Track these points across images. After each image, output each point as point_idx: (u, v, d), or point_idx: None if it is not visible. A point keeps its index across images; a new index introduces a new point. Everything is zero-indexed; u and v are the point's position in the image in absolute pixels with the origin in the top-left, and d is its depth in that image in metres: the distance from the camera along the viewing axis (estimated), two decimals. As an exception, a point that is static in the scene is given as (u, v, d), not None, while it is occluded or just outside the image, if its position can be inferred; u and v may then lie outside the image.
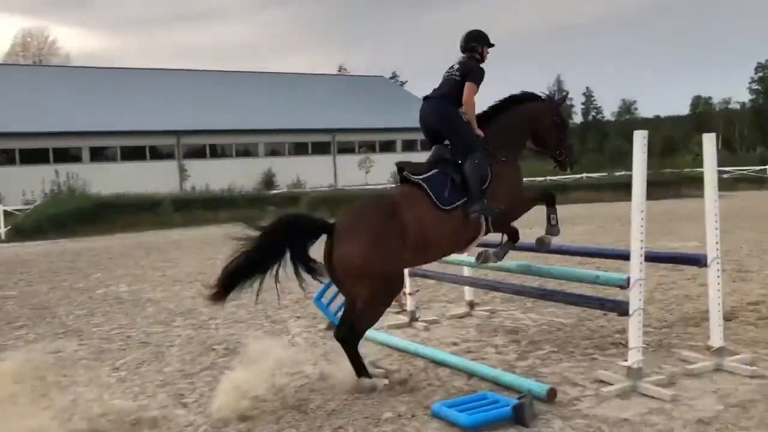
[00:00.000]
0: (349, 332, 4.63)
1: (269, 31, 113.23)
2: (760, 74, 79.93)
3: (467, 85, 5.15)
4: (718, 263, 4.88)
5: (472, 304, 7.11)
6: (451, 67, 5.36)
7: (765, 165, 43.81)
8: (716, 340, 4.85)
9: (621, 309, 4.62)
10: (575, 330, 6.22)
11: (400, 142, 45.86)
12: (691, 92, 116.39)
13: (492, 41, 5.40)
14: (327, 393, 4.61)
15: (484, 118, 5.30)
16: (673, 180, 31.45)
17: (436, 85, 5.37)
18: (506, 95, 5.42)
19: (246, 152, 42.08)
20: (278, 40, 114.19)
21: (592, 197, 29.40)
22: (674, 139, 67.97)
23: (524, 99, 5.42)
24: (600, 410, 4.10)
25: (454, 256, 5.88)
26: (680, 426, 3.79)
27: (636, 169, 4.49)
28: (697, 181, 40.25)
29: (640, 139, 4.49)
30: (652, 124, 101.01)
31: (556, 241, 5.54)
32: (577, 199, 28.49)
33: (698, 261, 5.00)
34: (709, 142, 4.89)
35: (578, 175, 35.72)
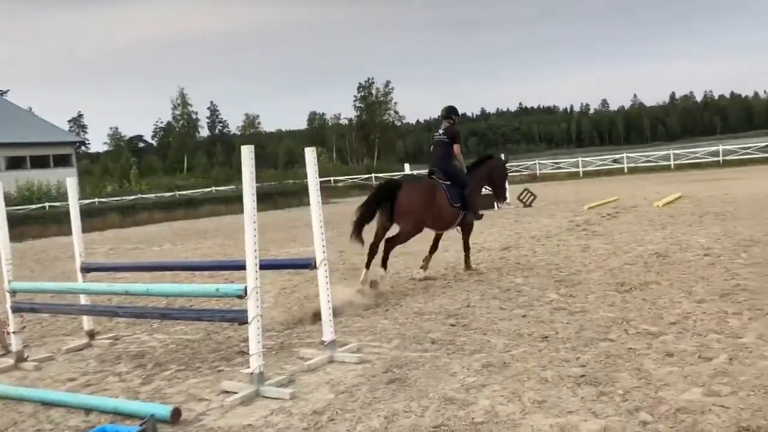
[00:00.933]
0: (388, 243, 8.15)
1: None
2: (362, 93, 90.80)
3: (455, 146, 8.64)
4: (325, 264, 5.36)
5: (92, 334, 6.58)
6: (438, 132, 8.81)
7: (370, 173, 49.93)
8: (327, 334, 5.33)
9: (241, 318, 4.75)
10: (203, 345, 6.22)
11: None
12: (308, 108, 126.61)
13: (459, 112, 9.33)
14: None
15: (472, 166, 9.17)
16: (296, 189, 33.81)
17: (437, 131, 8.85)
18: (483, 156, 9.68)
19: None
20: None
21: (221, 210, 29.88)
22: (295, 152, 73.22)
23: (489, 157, 9.63)
24: (224, 421, 4.16)
25: (69, 285, 5.43)
26: (298, 421, 4.06)
27: (245, 182, 4.66)
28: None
29: (247, 154, 4.67)
30: (276, 138, 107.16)
31: (178, 257, 5.47)
32: (208, 213, 28.65)
33: (309, 264, 5.43)
34: (310, 154, 5.34)
35: (207, 189, 35.99)
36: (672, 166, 39.25)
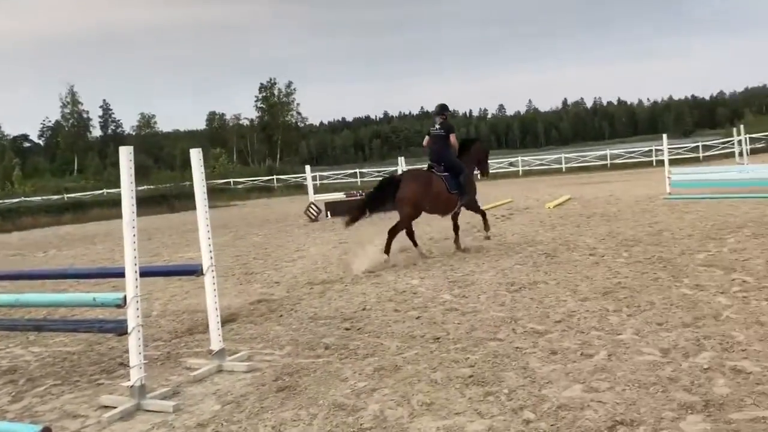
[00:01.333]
0: (391, 229, 9.38)
1: None
2: (264, 94, 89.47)
3: (452, 136, 9.82)
4: (213, 270, 5.17)
5: (-43, 349, 6.07)
6: (434, 126, 9.94)
7: (272, 175, 49.22)
8: (216, 343, 5.14)
9: (121, 329, 4.50)
10: (83, 357, 5.86)
11: None
12: (207, 108, 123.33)
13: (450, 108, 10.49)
14: None
15: (461, 150, 10.10)
16: (194, 192, 32.74)
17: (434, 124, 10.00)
18: (469, 138, 11.27)
19: None
20: None
21: (113, 213, 28.53)
22: (194, 153, 71.10)
23: (475, 140, 10.93)
24: (100, 439, 3.92)
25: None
26: (181, 434, 3.88)
27: (124, 186, 4.40)
28: (217, 192, 42.69)
29: (125, 155, 4.42)
30: (173, 138, 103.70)
31: (64, 263, 5.12)
32: (98, 216, 27.30)
33: (195, 271, 5.22)
34: (196, 156, 5.14)
35: (98, 191, 34.35)
36: (563, 169, 41.07)
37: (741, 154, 25.76)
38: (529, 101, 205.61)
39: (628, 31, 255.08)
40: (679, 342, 4.75)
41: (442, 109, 10.10)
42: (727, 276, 6.74)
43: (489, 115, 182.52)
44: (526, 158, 47.13)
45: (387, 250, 9.29)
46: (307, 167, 22.11)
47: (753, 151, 32.08)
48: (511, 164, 45.62)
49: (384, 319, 6.24)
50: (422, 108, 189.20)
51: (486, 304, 6.49)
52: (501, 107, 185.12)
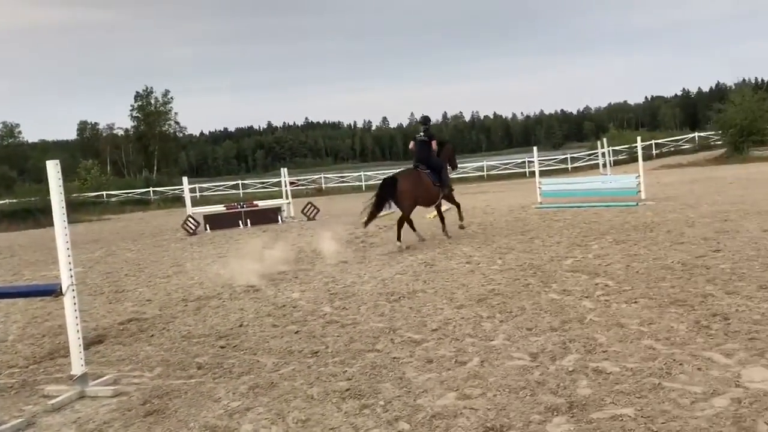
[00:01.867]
0: (399, 220, 11.37)
1: None
2: (139, 103, 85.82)
3: (434, 142, 11.83)
4: (73, 290, 4.84)
5: None
6: (419, 134, 11.91)
7: (149, 187, 47.24)
8: (77, 367, 4.80)
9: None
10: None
11: None
12: (77, 117, 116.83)
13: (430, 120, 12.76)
14: None
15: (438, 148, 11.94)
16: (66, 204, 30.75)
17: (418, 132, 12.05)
18: (441, 140, 12.38)
19: None
20: None
21: (-31, 229, 26.29)
22: (63, 164, 66.94)
23: (446, 143, 12.72)
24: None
25: None
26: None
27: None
28: (89, 206, 40.32)
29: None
30: (40, 149, 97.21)
31: None
32: (-49, 233, 25.04)
33: (53, 291, 4.86)
34: (53, 168, 4.80)
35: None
36: (444, 180, 42.26)
37: (605, 165, 27.59)
38: (411, 114, 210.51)
39: (504, 49, 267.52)
40: (547, 346, 4.95)
41: (425, 120, 12.42)
42: (592, 281, 7.14)
43: (373, 127, 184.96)
44: (408, 169, 48.08)
45: (399, 238, 11.18)
46: (185, 179, 21.37)
47: (615, 163, 34.47)
48: (394, 175, 46.36)
49: (261, 335, 6.09)
50: (307, 119, 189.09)
51: (366, 316, 6.50)
52: (384, 119, 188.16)
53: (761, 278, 6.44)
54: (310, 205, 20.25)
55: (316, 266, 10.06)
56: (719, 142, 39.03)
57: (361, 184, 44.04)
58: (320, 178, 46.90)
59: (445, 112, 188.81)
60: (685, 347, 4.62)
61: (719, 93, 74.62)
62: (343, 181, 46.71)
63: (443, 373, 4.55)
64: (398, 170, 12.82)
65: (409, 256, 10.20)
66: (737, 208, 12.28)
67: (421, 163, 11.66)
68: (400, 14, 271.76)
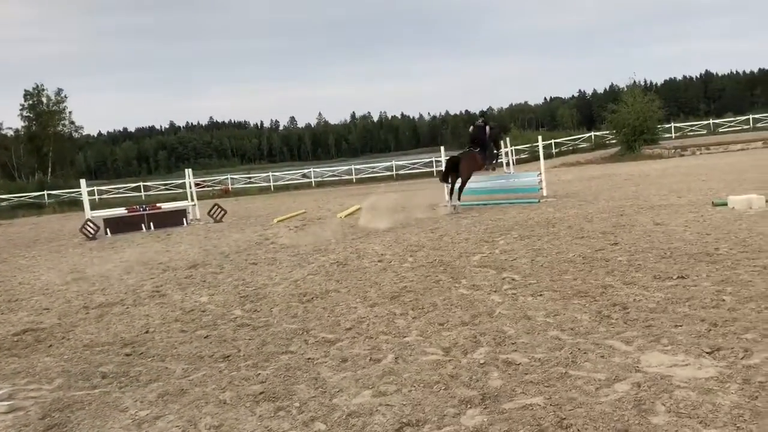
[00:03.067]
0: (460, 188, 15.49)
1: None
2: (30, 102, 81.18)
3: (489, 126, 16.28)
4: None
5: None
6: (477, 121, 16.29)
7: (43, 191, 44.72)
8: (-33, 384, 4.47)
9: None
10: None
11: None
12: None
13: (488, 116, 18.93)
14: None
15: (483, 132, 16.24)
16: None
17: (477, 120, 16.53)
18: (492, 126, 17.03)
19: None
20: None
21: None
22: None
23: (495, 126, 18.36)
24: None
25: None
26: None
27: None
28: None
29: None
30: None
31: None
32: None
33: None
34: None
35: None
36: (354, 180, 42.37)
37: (508, 164, 28.46)
38: (320, 114, 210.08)
39: (410, 52, 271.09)
40: (458, 340, 5.04)
41: (483, 113, 18.34)
42: (499, 275, 7.34)
43: (281, 127, 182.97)
44: (318, 169, 47.93)
45: (458, 198, 15.40)
46: (83, 181, 20.37)
47: (518, 161, 35.59)
48: (304, 176, 46.08)
49: (169, 341, 5.89)
50: (212, 118, 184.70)
51: (278, 317, 6.41)
52: (292, 119, 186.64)
53: (655, 269, 6.83)
54: (216, 206, 19.79)
55: (225, 269, 9.84)
56: (614, 141, 41.17)
57: (269, 184, 43.47)
58: (227, 179, 45.92)
59: (353, 112, 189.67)
60: (589, 336, 4.83)
61: (613, 94, 78.71)
62: (250, 182, 45.93)
63: (358, 371, 4.55)
64: (457, 152, 16.64)
65: (320, 256, 10.15)
66: (632, 204, 12.99)
67: (473, 143, 15.76)
68: (307, 14, 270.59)
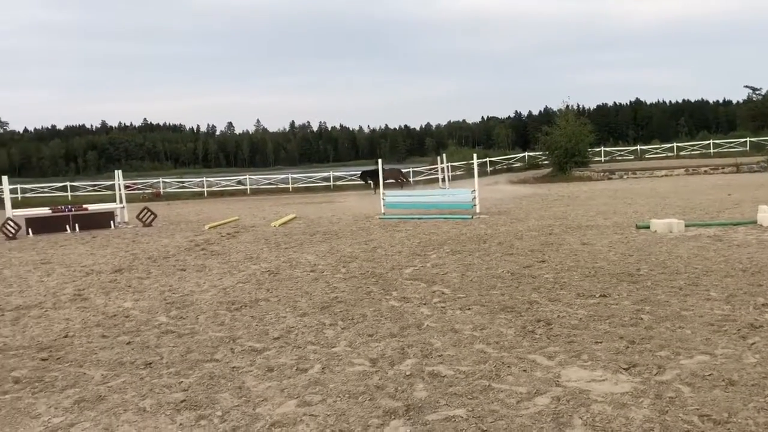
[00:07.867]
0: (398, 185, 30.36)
1: None
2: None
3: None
4: None
5: None
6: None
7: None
8: None
9: None
10: None
11: None
12: None
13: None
14: None
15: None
16: None
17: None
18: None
19: None
20: None
21: None
22: None
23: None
24: None
25: None
26: None
27: None
28: None
29: None
30: None
31: None
32: None
33: None
34: None
35: None
36: (290, 189, 42.05)
37: (444, 179, 28.90)
38: (258, 121, 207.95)
39: (352, 64, 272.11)
40: (386, 351, 5.07)
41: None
42: (429, 288, 7.42)
43: (218, 132, 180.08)
44: (254, 176, 47.31)
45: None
46: (5, 178, 19.47)
47: (453, 177, 36.15)
48: (239, 182, 45.40)
49: (89, 347, 5.69)
50: (146, 120, 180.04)
51: (205, 325, 6.28)
52: (230, 125, 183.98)
53: (580, 287, 7.05)
54: (146, 210, 19.26)
55: (152, 274, 9.58)
56: (546, 162, 42.30)
57: (202, 190, 42.65)
58: (158, 182, 44.78)
59: (292, 121, 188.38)
60: (513, 350, 4.94)
61: (547, 116, 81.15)
62: (183, 187, 44.94)
63: (284, 381, 4.51)
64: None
65: (252, 264, 10.02)
66: (560, 223, 13.37)
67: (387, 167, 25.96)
68: (251, 21, 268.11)
